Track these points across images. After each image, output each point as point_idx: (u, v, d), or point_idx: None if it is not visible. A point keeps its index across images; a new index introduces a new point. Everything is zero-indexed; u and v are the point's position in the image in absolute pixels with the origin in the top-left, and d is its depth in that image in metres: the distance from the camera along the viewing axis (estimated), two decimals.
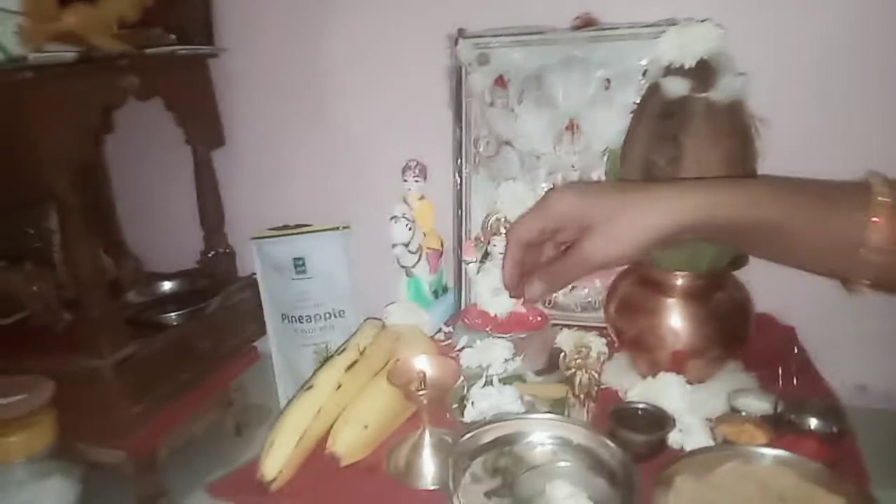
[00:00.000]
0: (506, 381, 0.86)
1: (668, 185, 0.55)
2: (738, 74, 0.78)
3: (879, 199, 0.48)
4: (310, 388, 0.79)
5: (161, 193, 1.50)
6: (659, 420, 0.76)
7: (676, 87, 0.78)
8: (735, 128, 0.78)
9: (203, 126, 1.31)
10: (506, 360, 0.91)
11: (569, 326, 1.01)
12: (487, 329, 1.03)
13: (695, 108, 0.78)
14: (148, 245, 1.53)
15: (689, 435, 0.76)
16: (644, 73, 1.01)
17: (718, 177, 0.75)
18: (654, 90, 0.82)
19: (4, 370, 1.07)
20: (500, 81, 1.10)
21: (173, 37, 1.21)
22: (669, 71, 0.80)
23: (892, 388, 1.15)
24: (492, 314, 1.02)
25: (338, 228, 1.33)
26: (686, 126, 0.78)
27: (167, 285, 1.40)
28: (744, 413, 0.78)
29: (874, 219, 0.47)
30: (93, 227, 1.20)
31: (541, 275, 0.57)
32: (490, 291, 1.04)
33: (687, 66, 0.79)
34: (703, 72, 0.78)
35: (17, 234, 1.28)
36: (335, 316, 1.36)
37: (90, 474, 1.13)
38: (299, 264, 1.33)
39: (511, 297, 0.60)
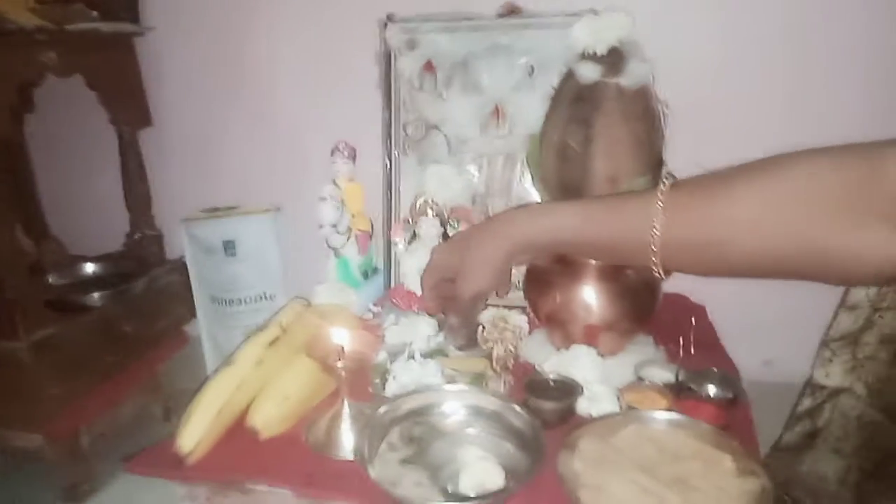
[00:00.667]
0: (428, 355, 0.88)
1: (501, 219, 0.72)
2: (644, 61, 0.82)
3: (659, 193, 0.59)
4: (230, 363, 0.80)
5: (86, 175, 1.46)
6: (568, 389, 0.79)
7: (589, 73, 0.81)
8: (643, 111, 0.82)
9: (128, 106, 1.28)
10: (429, 337, 0.94)
11: (494, 306, 1.04)
12: (414, 308, 1.05)
13: (606, 92, 0.81)
14: (72, 228, 1.49)
15: (597, 403, 0.80)
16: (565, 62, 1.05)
17: (544, 204, 0.88)
18: (568, 76, 0.86)
19: None
20: (429, 66, 1.12)
21: (95, 14, 1.18)
22: (583, 57, 0.83)
23: (795, 363, 1.22)
24: (418, 294, 1.04)
25: (268, 211, 1.33)
26: (598, 109, 0.81)
27: (91, 267, 1.37)
28: (647, 381, 0.82)
29: (653, 219, 0.58)
30: (12, 208, 1.17)
31: (451, 311, 0.81)
32: (416, 271, 1.05)
33: (599, 53, 0.82)
34: (614, 58, 0.82)
35: None
36: (266, 298, 1.35)
37: (9, 461, 1.11)
38: (229, 247, 1.32)
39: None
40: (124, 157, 1.32)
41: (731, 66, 1.10)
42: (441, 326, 0.94)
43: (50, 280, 1.31)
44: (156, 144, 1.37)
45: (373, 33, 1.15)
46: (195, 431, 0.72)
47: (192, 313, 1.38)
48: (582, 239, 0.67)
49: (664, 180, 0.60)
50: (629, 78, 0.81)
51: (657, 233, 0.59)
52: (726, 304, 1.07)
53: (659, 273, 0.62)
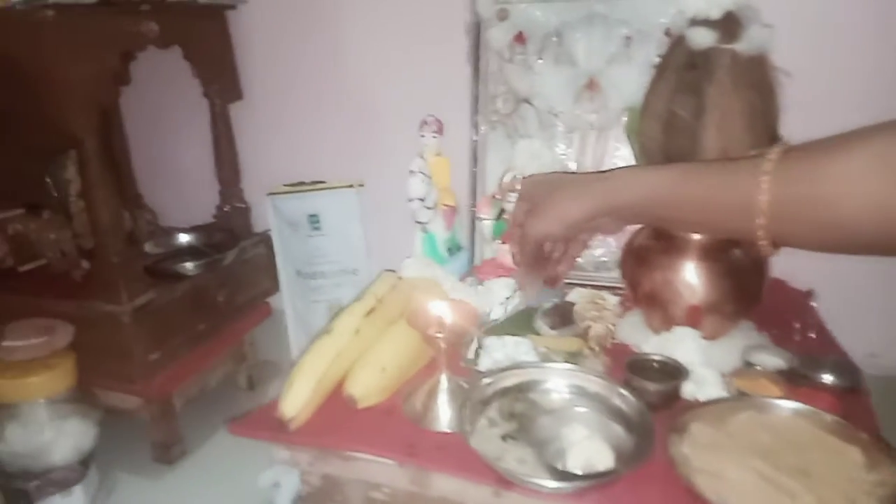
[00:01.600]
0: (519, 332, 0.87)
1: (595, 177, 0.67)
2: (764, 27, 0.77)
3: (768, 158, 0.52)
4: (328, 332, 0.80)
5: (177, 148, 1.50)
6: (673, 371, 0.76)
7: (702, 38, 0.77)
8: (759, 80, 0.77)
9: (221, 79, 1.31)
10: (506, 299, 0.92)
11: (582, 286, 1.02)
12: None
13: (720, 59, 0.77)
14: (164, 199, 1.54)
15: (703, 386, 0.76)
16: (666, 32, 1.00)
17: (642, 166, 0.83)
18: (678, 42, 0.81)
19: (25, 314, 1.09)
20: (520, 37, 1.09)
21: None
22: (695, 22, 0.79)
23: None
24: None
25: (352, 185, 1.33)
26: (710, 78, 0.77)
27: (183, 238, 1.41)
28: (758, 368, 0.78)
29: (763, 178, 0.52)
30: (113, 177, 1.21)
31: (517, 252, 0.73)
32: None
33: (713, 18, 0.78)
34: (730, 23, 0.77)
35: (35, 183, 1.29)
36: (349, 273, 1.37)
37: (107, 419, 1.16)
38: (314, 221, 1.34)
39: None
40: (216, 130, 1.35)
41: (856, 31, 1.02)
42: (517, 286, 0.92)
43: (145, 248, 1.36)
44: (245, 118, 1.39)
45: (462, 4, 1.13)
46: (298, 398, 0.72)
47: (276, 286, 1.41)
48: (676, 200, 0.60)
49: (779, 144, 0.55)
50: (746, 44, 0.76)
51: (765, 194, 0.52)
52: (828, 290, 1.01)
53: (764, 244, 0.55)
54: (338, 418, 0.74)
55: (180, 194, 1.53)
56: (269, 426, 0.72)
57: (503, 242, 0.99)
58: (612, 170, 0.69)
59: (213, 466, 1.24)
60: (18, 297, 1.16)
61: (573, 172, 0.74)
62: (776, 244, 0.55)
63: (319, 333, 0.82)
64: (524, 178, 0.74)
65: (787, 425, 0.67)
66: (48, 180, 1.27)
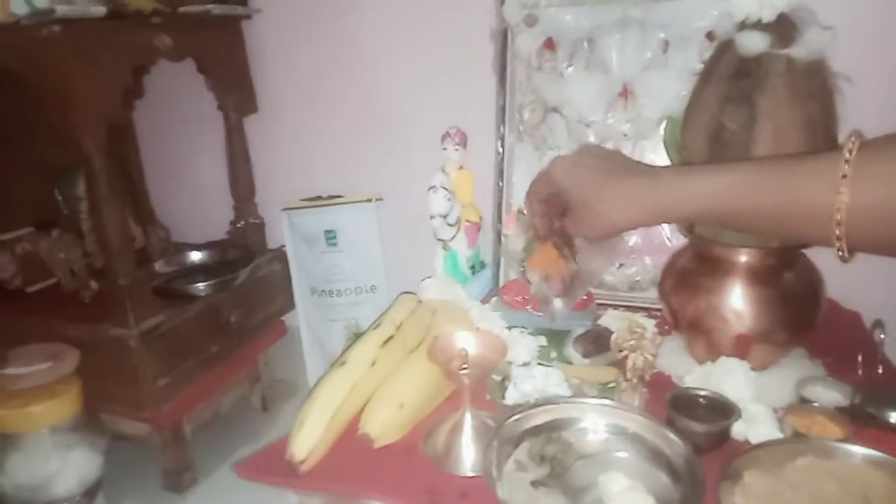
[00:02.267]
0: (547, 363, 0.80)
1: (644, 177, 0.59)
2: (822, 29, 0.70)
3: (845, 158, 0.48)
4: (343, 363, 0.74)
5: (191, 162, 1.47)
6: (722, 408, 0.69)
7: (754, 43, 0.70)
8: (817, 89, 0.71)
9: (236, 91, 1.26)
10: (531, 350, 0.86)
11: (615, 307, 0.95)
12: (527, 307, 0.97)
13: (773, 66, 0.70)
14: (177, 214, 1.51)
15: (754, 425, 0.69)
16: (707, 35, 0.94)
17: (691, 165, 0.74)
18: (725, 48, 0.75)
19: (31, 337, 1.05)
20: (549, 44, 1.04)
21: None
22: (745, 26, 0.72)
23: None
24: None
25: (370, 200, 1.28)
26: (762, 86, 0.70)
27: (196, 255, 1.37)
28: (815, 403, 0.70)
29: (841, 180, 0.47)
30: (123, 194, 1.17)
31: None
32: None
33: (765, 20, 0.71)
34: (784, 26, 0.71)
35: (45, 200, 1.26)
36: (367, 291, 1.31)
37: (116, 445, 1.11)
38: (330, 237, 1.29)
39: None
40: (230, 144, 1.31)
41: None
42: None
43: (156, 267, 1.32)
44: (260, 131, 1.35)
45: (488, 9, 1.07)
46: (309, 438, 0.66)
47: (291, 303, 1.36)
48: (742, 211, 0.54)
49: (851, 139, 0.49)
50: (802, 49, 0.69)
51: (844, 197, 0.47)
52: (883, 311, 0.93)
53: (842, 251, 0.50)
54: (352, 460, 0.69)
55: (194, 210, 1.49)
56: (278, 469, 0.67)
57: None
58: (659, 168, 0.63)
59: (225, 494, 1.19)
60: (25, 318, 1.13)
61: (607, 153, 0.65)
62: (853, 250, 0.51)
63: (333, 364, 0.76)
64: (554, 158, 0.66)
65: (855, 474, 0.59)
66: (58, 197, 1.23)
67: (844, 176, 0.47)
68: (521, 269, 0.93)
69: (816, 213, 0.50)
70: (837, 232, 0.49)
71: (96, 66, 0.94)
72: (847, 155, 0.48)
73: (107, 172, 0.97)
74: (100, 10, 0.95)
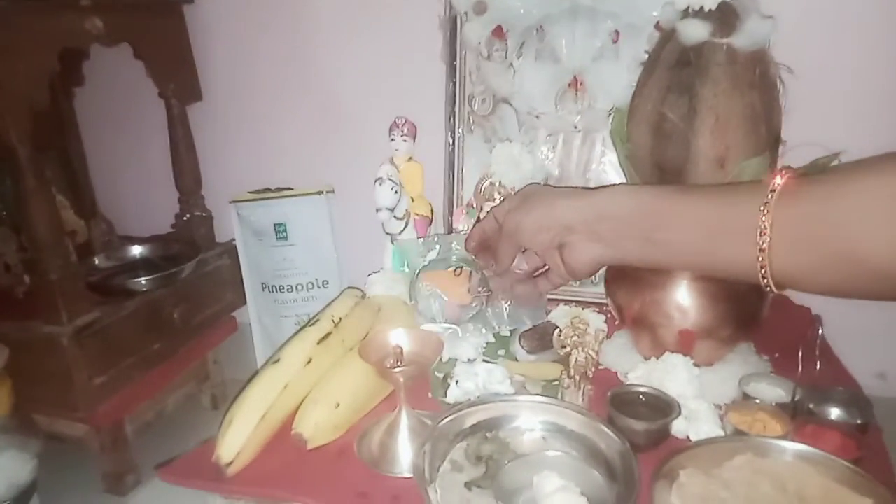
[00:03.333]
0: (493, 359, 0.78)
1: (590, 189, 0.62)
2: (764, 18, 0.68)
3: (771, 184, 0.49)
4: (276, 361, 0.71)
5: (136, 152, 1.41)
6: (662, 406, 0.68)
7: (695, 32, 0.69)
8: (759, 79, 0.69)
9: (177, 78, 1.21)
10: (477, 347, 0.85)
11: (566, 302, 0.94)
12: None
13: (714, 55, 0.69)
14: (122, 207, 1.45)
15: (695, 423, 0.68)
16: (656, 26, 0.92)
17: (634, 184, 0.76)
18: (668, 37, 0.73)
19: None
20: (499, 32, 1.01)
21: None
22: (687, 14, 0.71)
23: None
24: None
25: (321, 192, 1.24)
26: (704, 76, 0.69)
27: (138, 250, 1.32)
28: (757, 400, 0.70)
29: (768, 198, 0.48)
30: (57, 186, 1.12)
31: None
32: None
33: (707, 9, 0.69)
34: (726, 15, 0.69)
35: None
36: (318, 286, 1.28)
37: (54, 447, 1.06)
38: (280, 230, 1.25)
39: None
40: (173, 133, 1.25)
41: (861, 25, 0.93)
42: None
43: (97, 262, 1.26)
44: (205, 121, 1.30)
45: None
46: (236, 440, 0.64)
47: (242, 299, 1.32)
48: (670, 216, 0.55)
49: (779, 171, 0.49)
50: (744, 38, 0.68)
51: (767, 230, 0.48)
52: (833, 307, 0.92)
53: (769, 286, 0.50)
54: (282, 462, 0.66)
55: (140, 202, 1.44)
56: (203, 472, 0.64)
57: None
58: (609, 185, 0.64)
59: (169, 496, 1.14)
60: None
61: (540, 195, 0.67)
62: (781, 286, 0.51)
63: (267, 362, 0.73)
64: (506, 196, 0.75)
65: (790, 472, 0.58)
66: None
67: (771, 201, 0.48)
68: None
69: (743, 232, 0.50)
70: (762, 263, 0.49)
71: (17, 49, 0.88)
72: (777, 183, 0.49)
73: (34, 163, 0.92)
74: None
